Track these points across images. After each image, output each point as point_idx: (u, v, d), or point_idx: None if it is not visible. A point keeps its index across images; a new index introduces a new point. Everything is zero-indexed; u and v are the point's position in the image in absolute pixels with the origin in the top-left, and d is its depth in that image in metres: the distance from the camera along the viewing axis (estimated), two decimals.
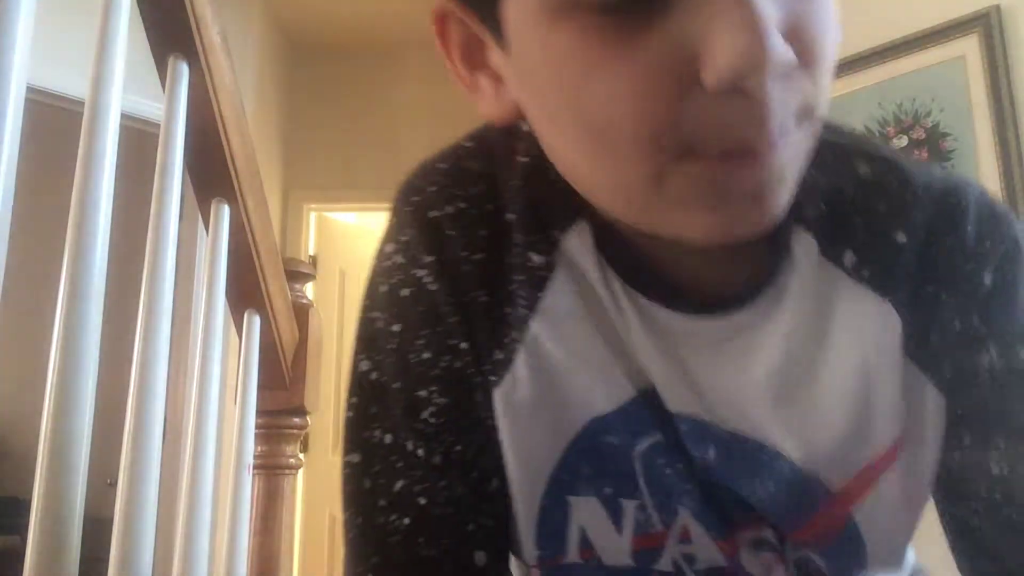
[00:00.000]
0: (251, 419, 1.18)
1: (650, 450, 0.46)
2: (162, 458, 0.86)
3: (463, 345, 0.47)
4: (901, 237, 0.44)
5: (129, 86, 0.84)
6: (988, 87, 1.92)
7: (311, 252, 3.69)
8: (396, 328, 0.48)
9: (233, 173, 1.12)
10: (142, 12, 0.97)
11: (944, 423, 0.44)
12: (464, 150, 0.50)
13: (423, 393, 0.47)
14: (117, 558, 0.79)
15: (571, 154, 0.40)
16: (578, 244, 0.46)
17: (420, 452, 0.46)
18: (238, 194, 1.13)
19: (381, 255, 0.51)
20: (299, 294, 1.43)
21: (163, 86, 1.00)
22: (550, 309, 0.46)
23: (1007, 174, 1.82)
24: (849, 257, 0.44)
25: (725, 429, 0.45)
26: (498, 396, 0.47)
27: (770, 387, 0.44)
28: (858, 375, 0.43)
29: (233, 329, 1.24)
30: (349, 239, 3.85)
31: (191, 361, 1.09)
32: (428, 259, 0.47)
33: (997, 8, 1.94)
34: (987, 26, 1.94)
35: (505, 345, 0.46)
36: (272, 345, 1.28)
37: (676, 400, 0.45)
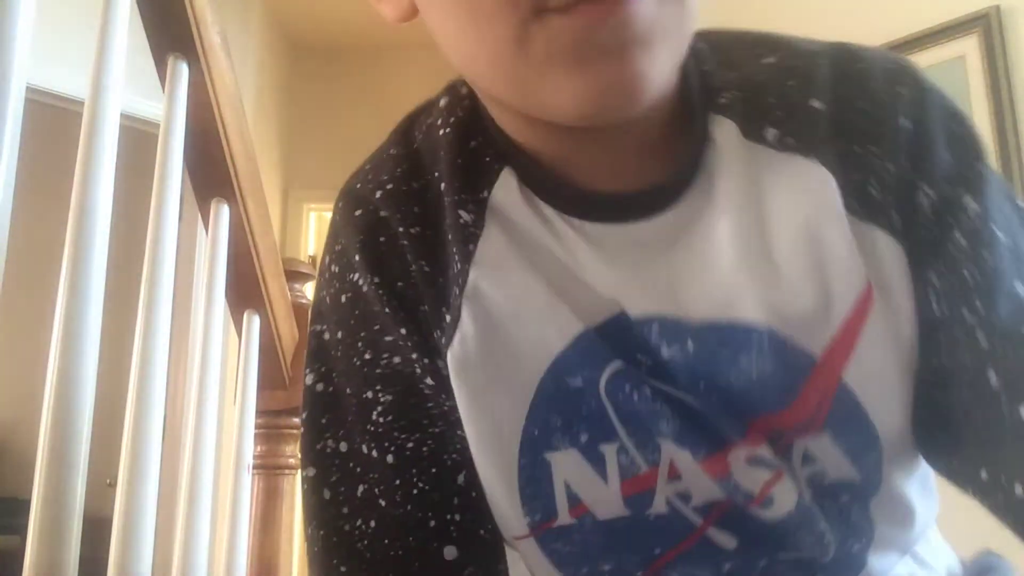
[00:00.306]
0: (250, 419, 1.18)
1: (615, 379, 0.45)
2: (162, 458, 0.86)
3: (400, 331, 0.47)
4: (816, 103, 0.45)
5: (129, 86, 0.84)
6: (988, 87, 1.92)
7: (311, 252, 3.69)
8: (339, 335, 0.49)
9: (233, 173, 1.12)
10: (142, 12, 0.97)
11: (908, 271, 0.44)
12: (385, 143, 0.53)
13: (369, 394, 0.47)
14: (117, 558, 0.79)
15: (451, 35, 0.41)
16: (504, 195, 0.47)
17: (374, 453, 0.47)
18: (238, 194, 1.13)
19: (321, 268, 0.52)
20: (299, 294, 1.43)
21: (163, 86, 1.00)
22: (484, 259, 0.47)
23: (1007, 174, 1.82)
24: (771, 132, 0.45)
25: (697, 319, 0.45)
26: (451, 360, 0.47)
27: (727, 267, 0.44)
28: (805, 236, 0.44)
29: (233, 329, 1.24)
30: None
31: (191, 361, 1.09)
32: (358, 259, 0.48)
33: (997, 8, 1.94)
34: (987, 26, 1.94)
35: (452, 306, 0.47)
36: (272, 345, 1.28)
37: (642, 305, 0.45)
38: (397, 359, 0.48)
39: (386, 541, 0.46)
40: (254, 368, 1.20)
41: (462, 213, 0.47)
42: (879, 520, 0.48)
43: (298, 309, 1.38)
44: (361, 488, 0.47)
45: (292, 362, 1.35)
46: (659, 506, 0.47)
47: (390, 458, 0.47)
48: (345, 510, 0.46)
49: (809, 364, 0.44)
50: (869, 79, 0.46)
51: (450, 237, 0.47)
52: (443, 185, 0.48)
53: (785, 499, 0.46)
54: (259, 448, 1.31)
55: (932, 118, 0.45)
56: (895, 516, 0.49)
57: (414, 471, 0.47)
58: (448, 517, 0.47)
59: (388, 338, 0.48)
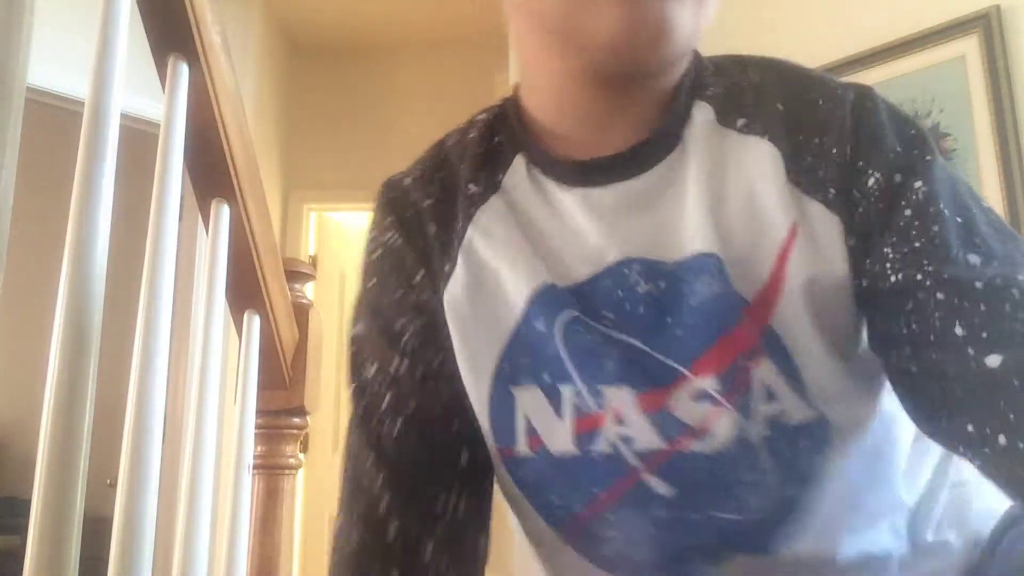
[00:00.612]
0: (251, 419, 1.18)
1: (570, 326, 0.53)
2: (162, 458, 0.86)
3: (421, 273, 0.59)
4: (780, 106, 0.54)
5: (129, 86, 0.84)
6: (988, 87, 1.92)
7: (311, 252, 3.69)
8: (372, 283, 0.61)
9: (233, 173, 1.12)
10: (142, 12, 0.97)
11: (842, 244, 0.50)
12: (424, 151, 0.65)
13: (400, 322, 0.58)
14: (117, 558, 0.79)
15: None
16: (513, 176, 0.58)
17: (403, 368, 0.57)
18: (238, 194, 1.13)
19: (365, 244, 0.64)
20: (299, 294, 1.43)
21: (163, 86, 1.00)
22: (481, 221, 0.58)
23: (1007, 174, 1.82)
24: (740, 121, 0.54)
25: (671, 261, 0.53)
26: (446, 300, 0.57)
27: (694, 218, 0.52)
28: (749, 195, 0.52)
29: (233, 329, 1.24)
30: (349, 239, 3.85)
31: (191, 361, 1.09)
32: (389, 219, 0.61)
33: (997, 8, 1.94)
34: (987, 26, 1.94)
35: (451, 258, 0.58)
36: (272, 345, 1.28)
37: (625, 251, 0.53)
38: (422, 295, 0.58)
39: (412, 440, 0.56)
40: (254, 368, 1.20)
41: (473, 187, 0.59)
42: (833, 477, 0.51)
43: (298, 309, 1.38)
44: (389, 396, 0.57)
45: (292, 362, 1.35)
46: (603, 445, 0.53)
47: (419, 371, 0.57)
48: (377, 417, 0.57)
49: (741, 306, 0.51)
50: (827, 88, 0.55)
51: (459, 207, 0.59)
52: (463, 170, 0.60)
53: (723, 432, 0.50)
54: (259, 448, 1.31)
55: (878, 117, 0.53)
56: (857, 481, 0.52)
57: (441, 383, 0.57)
58: (465, 425, 0.57)
59: (414, 280, 0.59)
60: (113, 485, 0.84)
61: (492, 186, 0.59)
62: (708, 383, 0.50)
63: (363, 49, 3.78)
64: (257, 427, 1.22)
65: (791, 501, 0.51)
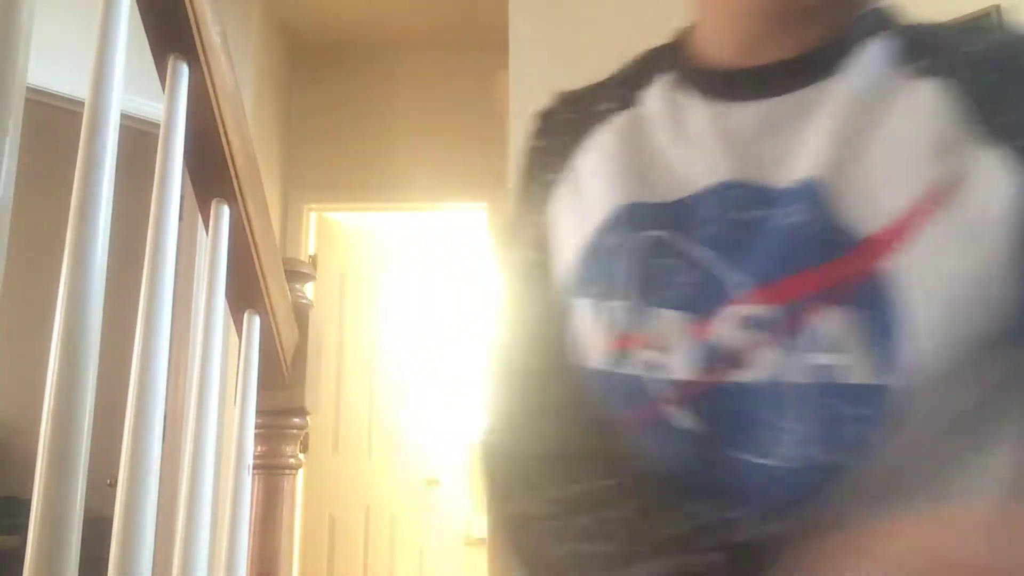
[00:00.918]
0: (251, 419, 1.18)
1: (647, 242, 0.53)
2: (162, 458, 0.86)
3: (548, 176, 0.62)
4: (970, 48, 0.51)
5: (129, 86, 0.84)
6: None
7: (311, 252, 3.69)
8: (521, 181, 0.66)
9: (233, 173, 1.12)
10: (142, 12, 0.97)
11: (1012, 201, 0.44)
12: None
13: (531, 218, 0.62)
14: (117, 558, 0.79)
15: None
16: (651, 92, 0.60)
17: (534, 256, 0.61)
18: (238, 194, 1.13)
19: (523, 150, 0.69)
20: (299, 294, 1.43)
21: (163, 86, 1.00)
22: (599, 136, 0.60)
23: None
24: (917, 64, 0.51)
25: (777, 188, 0.50)
26: (550, 209, 0.60)
27: (819, 145, 0.49)
28: (901, 138, 0.48)
29: (233, 329, 1.24)
30: (349, 239, 3.85)
31: (191, 361, 1.09)
32: (536, 130, 0.66)
33: (997, 8, 1.94)
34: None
35: (562, 168, 0.61)
36: (272, 345, 1.28)
37: (736, 172, 0.52)
38: (543, 195, 0.62)
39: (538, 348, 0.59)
40: (254, 368, 1.20)
41: (606, 104, 0.62)
42: (885, 451, 0.44)
43: (298, 309, 1.38)
44: (523, 284, 0.63)
45: (292, 362, 1.35)
46: (629, 367, 0.52)
47: (543, 256, 0.60)
48: (512, 307, 0.63)
49: (847, 242, 0.46)
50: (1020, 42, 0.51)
51: (588, 123, 0.62)
52: (606, 90, 0.64)
53: (764, 365, 0.46)
54: (259, 448, 1.31)
55: None
56: (918, 463, 0.46)
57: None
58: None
59: (545, 176, 0.63)
60: (113, 485, 0.84)
61: (626, 102, 0.61)
62: (765, 311, 0.47)
63: (363, 49, 3.78)
64: (257, 427, 1.22)
65: (828, 463, 0.45)
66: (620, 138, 0.58)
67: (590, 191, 0.58)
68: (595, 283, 0.55)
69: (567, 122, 0.64)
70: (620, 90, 0.62)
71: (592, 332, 0.54)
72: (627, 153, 0.57)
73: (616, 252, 0.54)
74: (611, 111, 0.61)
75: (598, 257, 0.55)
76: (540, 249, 0.61)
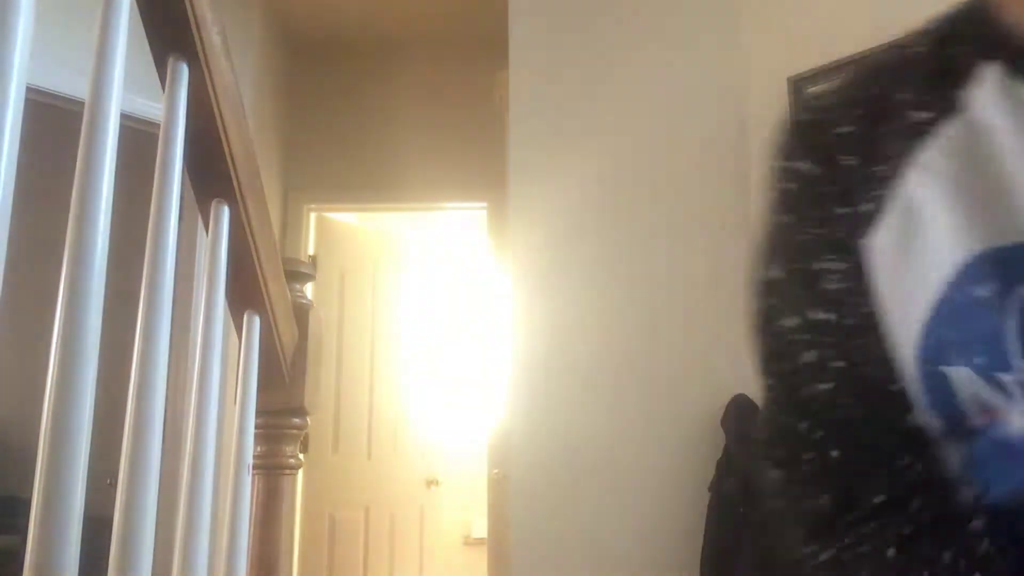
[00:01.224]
0: (251, 419, 1.18)
1: None
2: (162, 458, 0.86)
3: (841, 209, 0.50)
4: None
5: (129, 86, 0.84)
6: None
7: (311, 252, 3.69)
8: (786, 219, 0.53)
9: (233, 173, 1.12)
10: (142, 12, 0.97)
11: None
12: (853, 66, 0.56)
13: (822, 264, 0.50)
14: (117, 558, 0.79)
15: None
16: (980, 92, 0.47)
17: (832, 318, 0.49)
18: (238, 194, 1.13)
19: (770, 173, 0.56)
20: (299, 294, 1.43)
21: (163, 86, 1.00)
22: (926, 155, 0.47)
23: None
24: None
25: None
26: (869, 247, 0.48)
27: None
28: None
29: (233, 329, 1.24)
30: (349, 239, 3.85)
31: (191, 361, 1.09)
32: (799, 144, 0.53)
33: None
34: None
35: (876, 198, 0.48)
36: (272, 345, 1.27)
37: None
38: (845, 234, 0.50)
39: (844, 402, 0.48)
40: (254, 368, 1.20)
41: (918, 113, 0.49)
42: None
43: (298, 309, 1.38)
44: (812, 354, 0.49)
45: (292, 362, 1.35)
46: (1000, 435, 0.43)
47: (851, 320, 0.49)
48: (803, 376, 0.49)
49: None
50: None
51: (894, 137, 0.49)
52: (905, 91, 0.50)
53: None
54: (259, 448, 1.31)
55: None
56: None
57: (873, 335, 0.47)
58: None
59: (834, 211, 0.50)
60: (113, 485, 0.84)
61: (947, 108, 0.47)
62: None
63: (363, 49, 3.78)
64: (257, 427, 1.22)
65: None
66: (960, 158, 0.46)
67: (929, 229, 0.46)
68: (963, 350, 0.44)
69: (850, 139, 0.51)
70: (929, 92, 0.49)
71: (993, 401, 0.43)
72: (977, 176, 0.45)
73: (989, 308, 0.43)
74: (930, 122, 0.48)
75: (961, 315, 0.44)
76: (835, 307, 0.49)
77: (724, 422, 2.25)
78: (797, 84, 2.32)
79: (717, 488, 2.18)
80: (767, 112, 2.44)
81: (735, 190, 2.47)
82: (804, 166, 0.52)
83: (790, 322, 0.51)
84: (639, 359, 2.39)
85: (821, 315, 0.50)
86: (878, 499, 0.46)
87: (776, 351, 0.52)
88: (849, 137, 0.51)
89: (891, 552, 0.45)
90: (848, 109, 0.52)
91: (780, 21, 2.46)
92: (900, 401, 0.46)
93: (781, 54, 2.42)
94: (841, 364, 0.48)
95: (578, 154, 2.53)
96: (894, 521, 0.45)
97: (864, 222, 0.48)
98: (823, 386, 0.48)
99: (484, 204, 3.61)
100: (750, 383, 2.33)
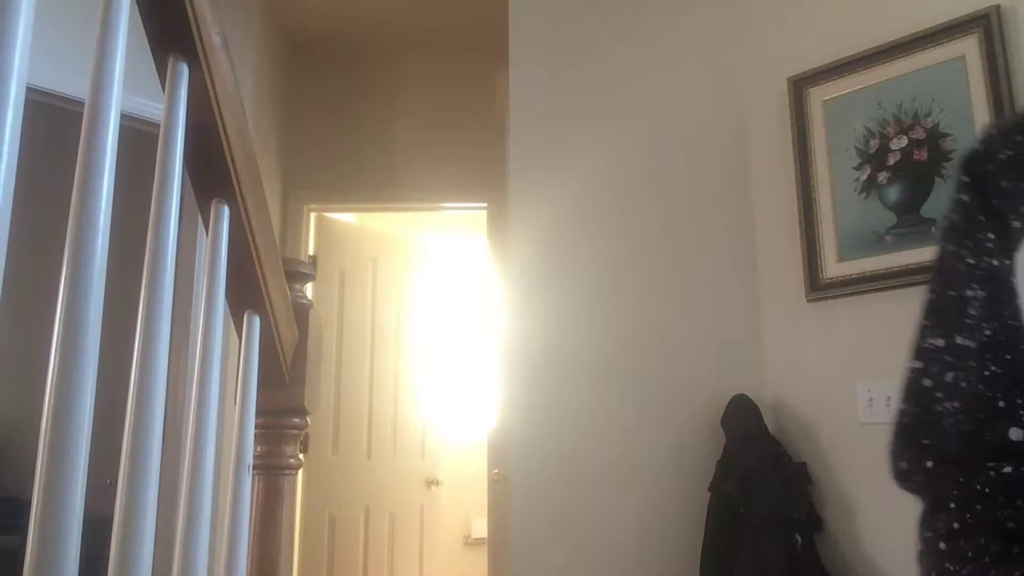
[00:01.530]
0: (251, 419, 1.18)
1: None
2: (162, 458, 0.86)
3: (990, 236, 0.55)
4: None
5: (129, 86, 0.84)
6: (988, 87, 1.92)
7: (311, 252, 3.69)
8: (947, 247, 0.59)
9: (233, 173, 1.12)
10: (142, 12, 0.97)
11: None
12: None
13: (969, 292, 0.56)
14: (117, 558, 0.79)
15: None
16: None
17: (968, 343, 0.55)
18: (238, 194, 1.13)
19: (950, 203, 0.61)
20: (299, 294, 1.43)
21: (163, 86, 1.00)
22: None
23: None
24: None
25: None
26: (1018, 263, 0.53)
27: None
28: None
29: (233, 329, 1.24)
30: (349, 239, 3.85)
31: (191, 361, 1.09)
32: (964, 179, 0.59)
33: (997, 8, 1.94)
34: (987, 26, 1.94)
35: (1021, 214, 0.54)
36: (272, 345, 1.27)
37: None
38: (993, 260, 0.55)
39: (961, 418, 0.54)
40: (254, 368, 1.20)
41: None
42: None
43: (298, 309, 1.38)
44: (951, 375, 0.56)
45: (292, 362, 1.35)
46: None
47: (973, 344, 0.55)
48: (938, 394, 0.56)
49: None
50: None
51: None
52: None
53: None
54: (259, 448, 1.31)
55: None
56: None
57: (988, 356, 0.54)
58: (1018, 401, 0.53)
59: (985, 242, 0.56)
60: (113, 485, 0.84)
61: None
62: None
63: (363, 49, 3.78)
64: (257, 427, 1.22)
65: None
66: None
67: None
68: None
69: (1008, 163, 0.55)
70: None
71: None
72: None
73: None
74: None
75: None
76: (995, 319, 0.54)
77: (724, 422, 2.25)
78: (797, 84, 2.32)
79: (717, 488, 2.18)
80: (767, 112, 2.44)
81: (735, 190, 2.47)
82: (964, 195, 0.58)
83: (939, 342, 0.57)
84: (639, 359, 2.39)
85: (959, 340, 0.56)
86: None
87: (927, 364, 0.58)
88: (1007, 162, 0.55)
89: None
90: (1008, 136, 0.56)
91: (780, 21, 2.46)
92: (1005, 415, 0.53)
93: (781, 54, 2.42)
94: (963, 384, 0.54)
95: (578, 154, 2.53)
96: None
97: (1016, 238, 0.53)
98: (952, 404, 0.55)
99: (484, 204, 3.61)
100: (750, 383, 2.33)
